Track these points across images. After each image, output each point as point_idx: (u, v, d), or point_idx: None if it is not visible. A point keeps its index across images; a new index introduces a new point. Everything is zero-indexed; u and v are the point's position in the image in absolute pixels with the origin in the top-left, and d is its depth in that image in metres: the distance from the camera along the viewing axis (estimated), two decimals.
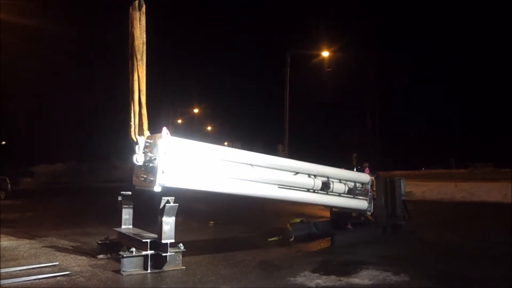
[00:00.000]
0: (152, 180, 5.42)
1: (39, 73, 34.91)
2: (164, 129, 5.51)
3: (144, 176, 5.53)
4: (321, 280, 5.27)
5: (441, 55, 42.41)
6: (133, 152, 5.57)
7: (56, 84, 38.60)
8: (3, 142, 35.93)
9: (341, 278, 5.33)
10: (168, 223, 5.65)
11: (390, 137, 41.84)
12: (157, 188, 5.39)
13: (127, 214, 6.75)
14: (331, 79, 35.26)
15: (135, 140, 5.58)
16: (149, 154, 5.51)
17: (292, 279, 5.33)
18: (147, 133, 5.63)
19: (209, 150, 6.11)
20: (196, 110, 49.63)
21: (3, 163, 26.88)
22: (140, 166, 5.60)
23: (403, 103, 46.19)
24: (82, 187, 28.14)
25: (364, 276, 5.40)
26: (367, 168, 8.58)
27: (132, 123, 5.59)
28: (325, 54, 26.94)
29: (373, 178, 8.48)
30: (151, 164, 5.47)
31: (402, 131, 43.13)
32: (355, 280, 5.27)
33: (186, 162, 5.72)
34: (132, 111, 5.59)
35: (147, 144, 5.57)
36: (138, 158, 5.53)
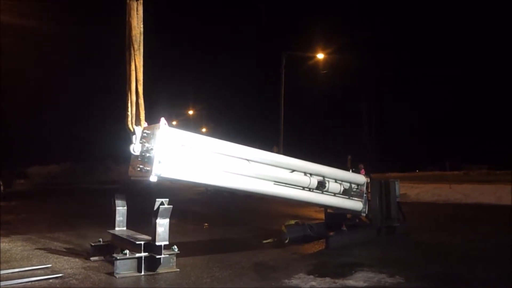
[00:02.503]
0: (148, 170, 5.41)
1: (34, 74, 34.78)
2: (162, 120, 5.51)
3: (141, 166, 5.51)
4: (316, 282, 5.26)
5: (438, 58, 42.65)
6: (130, 142, 5.55)
7: (51, 85, 38.45)
8: None
9: (336, 280, 5.32)
10: (162, 225, 5.63)
11: (385, 139, 41.99)
12: (153, 178, 5.38)
13: (121, 216, 6.70)
14: (327, 81, 35.37)
15: (132, 130, 5.57)
16: (146, 145, 5.51)
17: (287, 281, 5.31)
18: (144, 123, 5.62)
19: (206, 143, 6.11)
20: (191, 112, 49.63)
21: None
22: (136, 156, 5.59)
23: (398, 105, 46.38)
24: (77, 188, 27.99)
25: (359, 278, 5.39)
26: (362, 170, 8.56)
27: (129, 113, 5.58)
28: (321, 56, 27.03)
29: (368, 179, 8.48)
30: (148, 154, 5.46)
31: (396, 133, 43.32)
32: (350, 282, 5.26)
33: (183, 154, 5.72)
34: (129, 101, 5.59)
35: (145, 134, 5.57)
36: (135, 148, 5.52)
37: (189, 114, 49.66)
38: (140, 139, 5.56)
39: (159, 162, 5.39)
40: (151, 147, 5.45)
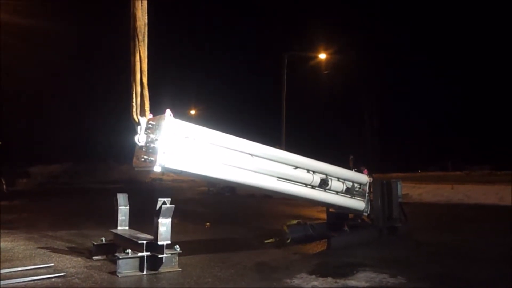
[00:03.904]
0: (152, 160, 5.44)
1: (36, 73, 34.85)
2: (168, 111, 5.54)
3: (145, 157, 5.55)
4: (318, 282, 5.26)
5: (439, 57, 42.58)
6: (134, 133, 5.59)
7: (53, 85, 38.53)
8: (0, 143, 35.82)
9: (338, 280, 5.32)
10: (164, 225, 5.63)
11: (386, 139, 41.96)
12: (157, 168, 5.42)
13: (123, 215, 6.71)
14: (328, 81, 35.37)
15: (136, 120, 5.59)
16: (151, 135, 5.53)
17: (288, 281, 5.31)
18: (148, 114, 5.66)
19: (210, 136, 6.12)
20: (192, 112, 49.64)
21: None
22: (141, 147, 5.63)
23: (400, 105, 46.31)
24: (79, 188, 28.03)
25: (360, 278, 5.39)
26: (365, 170, 8.52)
27: (134, 104, 5.61)
28: (323, 56, 27.04)
29: (371, 179, 8.48)
30: (152, 145, 5.50)
31: (398, 133, 43.28)
32: (351, 282, 5.27)
33: (187, 145, 5.74)
34: (134, 92, 5.62)
35: (150, 125, 5.60)
36: (140, 138, 5.55)
37: (190, 114, 49.67)
38: (145, 130, 5.59)
39: (164, 152, 5.43)
40: (156, 138, 5.49)
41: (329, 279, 5.38)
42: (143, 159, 5.57)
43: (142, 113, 5.63)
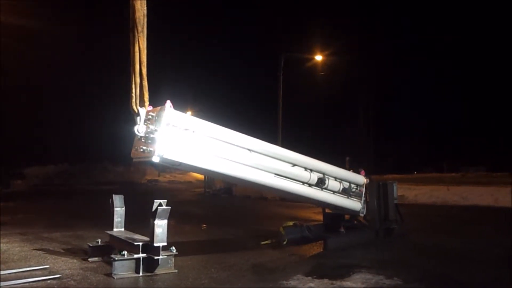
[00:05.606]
0: (151, 150, 5.45)
1: (32, 74, 34.73)
2: (168, 102, 5.54)
3: (144, 147, 5.54)
4: (314, 283, 5.26)
5: (437, 58, 42.74)
6: (132, 128, 5.58)
7: (49, 86, 38.41)
8: None
9: (334, 282, 5.32)
10: (161, 226, 5.62)
11: (383, 140, 42.08)
12: (155, 159, 5.42)
13: (119, 216, 6.69)
14: (326, 82, 35.42)
15: (136, 111, 5.58)
16: (151, 126, 5.53)
17: (285, 282, 5.31)
18: (147, 105, 5.65)
19: (209, 129, 6.12)
20: (189, 113, 49.61)
21: None
22: (139, 138, 5.63)
23: (396, 107, 46.47)
24: (74, 189, 27.93)
25: (357, 280, 5.39)
26: (362, 171, 8.57)
27: (133, 94, 5.59)
28: (319, 58, 27.09)
29: (367, 180, 8.49)
30: (151, 136, 5.50)
31: (394, 135, 43.42)
32: (348, 283, 5.27)
33: (186, 137, 5.75)
34: (133, 82, 5.60)
35: (149, 117, 5.60)
36: (139, 129, 5.54)
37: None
38: (145, 121, 5.58)
39: (163, 143, 5.44)
40: (155, 128, 5.49)
41: (326, 280, 5.38)
42: (141, 150, 5.56)
43: (142, 104, 5.63)
